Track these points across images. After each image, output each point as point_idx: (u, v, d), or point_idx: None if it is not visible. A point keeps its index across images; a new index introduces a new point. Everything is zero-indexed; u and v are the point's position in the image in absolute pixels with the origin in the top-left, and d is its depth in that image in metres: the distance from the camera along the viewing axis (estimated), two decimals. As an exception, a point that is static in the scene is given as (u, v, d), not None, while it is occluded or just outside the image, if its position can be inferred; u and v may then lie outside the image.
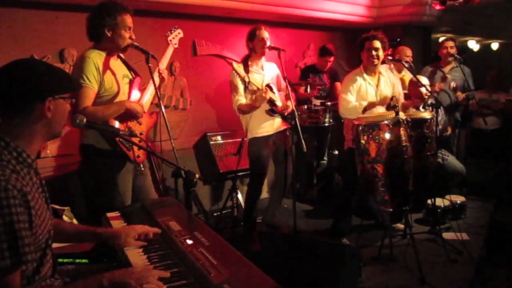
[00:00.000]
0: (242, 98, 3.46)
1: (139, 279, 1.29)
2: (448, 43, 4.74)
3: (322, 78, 5.05)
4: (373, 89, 3.52)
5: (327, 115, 4.62)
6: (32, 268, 1.33)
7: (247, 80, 3.28)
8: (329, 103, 4.69)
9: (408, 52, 4.71)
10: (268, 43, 3.49)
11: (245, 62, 3.54)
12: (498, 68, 7.38)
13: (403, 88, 4.01)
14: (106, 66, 2.51)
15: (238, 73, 3.27)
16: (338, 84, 5.05)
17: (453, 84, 4.65)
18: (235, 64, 3.31)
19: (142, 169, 2.64)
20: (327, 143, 5.22)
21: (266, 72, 3.62)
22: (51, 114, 1.40)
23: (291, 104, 3.41)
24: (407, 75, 4.41)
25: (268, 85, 3.45)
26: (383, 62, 3.68)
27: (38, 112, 1.37)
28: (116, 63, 2.61)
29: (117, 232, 1.71)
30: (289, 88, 3.52)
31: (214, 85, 4.81)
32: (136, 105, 2.58)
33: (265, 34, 3.49)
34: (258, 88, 3.35)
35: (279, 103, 3.51)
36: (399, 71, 4.62)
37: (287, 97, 3.58)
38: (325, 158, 5.31)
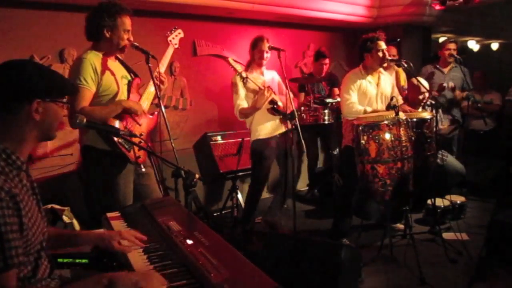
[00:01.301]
0: (243, 103, 3.49)
1: (138, 282, 1.29)
2: (451, 45, 4.80)
3: (320, 86, 5.01)
4: (374, 88, 3.52)
5: (327, 113, 4.62)
6: (27, 271, 1.32)
7: (244, 75, 3.30)
8: (329, 100, 4.68)
9: (393, 51, 4.71)
10: (266, 56, 3.55)
11: (246, 69, 3.61)
12: (498, 68, 7.39)
13: (397, 82, 3.99)
14: (105, 66, 2.51)
15: (234, 68, 3.29)
16: (336, 90, 5.03)
17: (451, 84, 4.66)
18: (231, 60, 3.33)
19: (143, 170, 2.64)
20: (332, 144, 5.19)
21: (266, 77, 3.65)
22: (40, 117, 1.37)
23: (292, 106, 3.41)
24: (400, 70, 4.41)
25: (268, 87, 3.47)
26: None
27: (25, 113, 1.35)
28: (114, 64, 2.62)
29: (101, 235, 1.71)
30: (290, 93, 3.52)
31: (214, 85, 4.81)
32: (134, 104, 2.58)
33: (266, 46, 3.54)
34: (259, 88, 3.36)
35: (280, 103, 3.51)
36: (387, 69, 4.60)
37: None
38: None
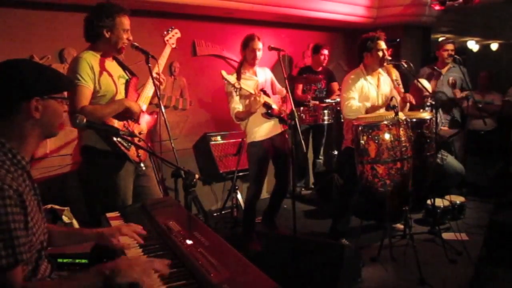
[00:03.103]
0: (238, 106, 3.48)
1: (143, 272, 1.31)
2: (449, 46, 4.80)
3: (318, 78, 5.04)
4: (374, 89, 3.51)
5: (326, 113, 4.63)
6: (28, 271, 1.33)
7: (237, 86, 3.28)
8: (328, 100, 4.68)
9: (388, 51, 4.71)
10: (259, 55, 3.52)
11: (238, 69, 3.58)
12: (498, 68, 7.39)
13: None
14: (102, 67, 2.51)
15: (228, 81, 3.27)
16: (334, 84, 5.06)
17: (451, 80, 4.66)
18: (223, 73, 3.31)
19: (143, 168, 2.64)
20: (323, 141, 5.25)
21: (259, 77, 3.63)
22: (40, 115, 1.38)
23: (287, 108, 3.41)
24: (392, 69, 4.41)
25: (262, 90, 3.46)
26: None
27: (24, 112, 1.36)
28: (111, 64, 2.61)
29: (101, 232, 1.72)
30: (288, 91, 3.52)
31: (214, 85, 4.81)
32: (134, 104, 2.58)
33: (258, 45, 3.51)
34: (251, 93, 3.35)
35: (274, 106, 3.51)
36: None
37: (283, 100, 3.58)
38: (321, 156, 5.32)
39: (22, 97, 1.36)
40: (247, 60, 3.56)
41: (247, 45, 3.52)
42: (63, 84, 1.51)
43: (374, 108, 3.43)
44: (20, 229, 1.24)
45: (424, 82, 3.83)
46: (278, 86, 3.79)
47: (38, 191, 1.48)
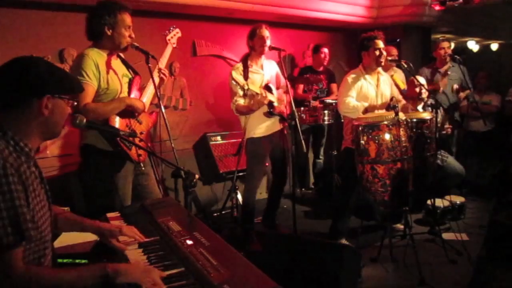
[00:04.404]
0: (240, 99, 3.47)
1: (144, 272, 1.34)
2: (444, 44, 4.79)
3: (319, 78, 5.06)
4: (374, 89, 3.51)
5: (327, 113, 4.63)
6: (34, 258, 1.34)
7: (246, 88, 3.28)
8: (328, 100, 4.69)
9: (394, 51, 4.71)
10: (268, 42, 3.51)
11: (245, 62, 3.55)
12: (498, 68, 7.40)
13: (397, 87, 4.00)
14: (109, 65, 2.51)
15: (237, 82, 3.27)
16: (334, 85, 5.08)
17: (455, 86, 4.66)
18: (234, 73, 3.30)
19: (143, 168, 2.64)
20: (323, 141, 5.25)
21: (266, 72, 3.62)
22: (48, 113, 1.40)
23: (287, 97, 3.41)
24: (396, 75, 4.41)
25: (266, 86, 3.45)
26: None
27: (35, 108, 1.38)
28: (116, 62, 2.62)
29: (103, 229, 1.72)
30: (289, 86, 3.53)
31: (214, 85, 4.81)
32: (136, 101, 2.58)
33: (266, 32, 3.51)
34: (256, 93, 3.35)
35: (276, 103, 3.51)
36: (386, 70, 4.61)
37: (285, 92, 3.58)
38: (321, 156, 5.32)
39: (35, 93, 1.37)
40: (256, 49, 3.52)
41: (255, 33, 3.50)
42: (74, 86, 1.53)
43: (372, 107, 3.42)
44: (24, 206, 1.26)
45: (420, 79, 3.85)
46: (282, 80, 3.76)
47: (46, 181, 1.49)
